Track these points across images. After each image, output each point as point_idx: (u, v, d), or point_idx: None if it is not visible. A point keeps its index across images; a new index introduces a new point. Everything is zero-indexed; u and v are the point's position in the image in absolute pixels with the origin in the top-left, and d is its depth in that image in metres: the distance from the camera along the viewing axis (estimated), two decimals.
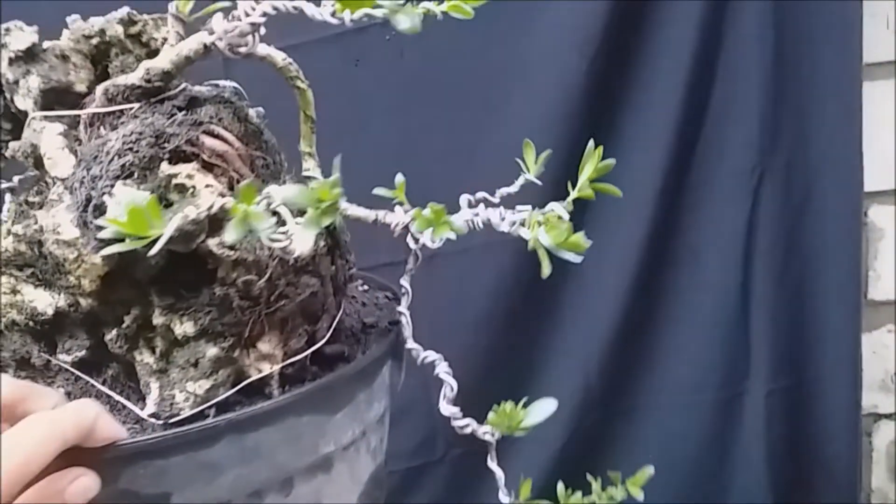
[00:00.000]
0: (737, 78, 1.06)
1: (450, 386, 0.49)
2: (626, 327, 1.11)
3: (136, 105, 0.45)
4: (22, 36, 0.46)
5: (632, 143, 1.06)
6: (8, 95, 0.47)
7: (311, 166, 0.47)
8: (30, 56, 0.47)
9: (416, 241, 0.47)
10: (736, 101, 1.07)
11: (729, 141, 1.08)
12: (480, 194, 0.56)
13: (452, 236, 0.46)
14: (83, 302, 0.45)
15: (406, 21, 0.36)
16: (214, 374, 0.46)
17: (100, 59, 0.48)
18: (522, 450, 1.05)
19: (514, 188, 0.57)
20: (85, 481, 0.39)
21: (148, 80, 0.45)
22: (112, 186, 0.42)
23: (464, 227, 0.42)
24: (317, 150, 0.51)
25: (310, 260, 0.47)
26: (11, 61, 0.47)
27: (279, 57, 0.45)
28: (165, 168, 0.43)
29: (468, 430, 0.50)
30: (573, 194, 0.44)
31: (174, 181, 0.43)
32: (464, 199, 0.53)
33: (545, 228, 0.37)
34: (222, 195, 0.44)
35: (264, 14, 0.41)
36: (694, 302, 1.12)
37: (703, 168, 1.08)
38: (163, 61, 0.45)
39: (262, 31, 0.42)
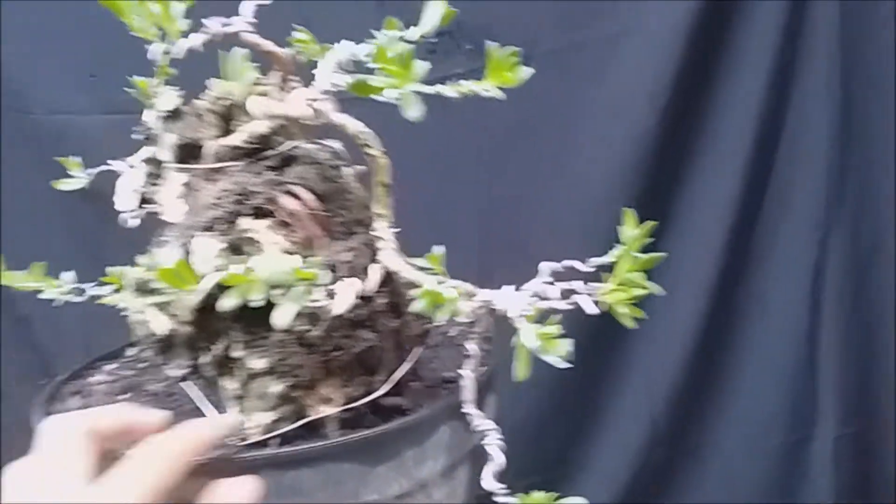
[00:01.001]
0: (805, 130, 1.06)
1: (495, 461, 0.48)
2: (694, 368, 1.13)
3: (237, 164, 0.51)
4: (168, 98, 0.55)
5: (700, 193, 1.08)
6: (156, 147, 0.56)
7: (379, 227, 0.49)
8: (174, 115, 0.55)
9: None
10: (804, 153, 1.07)
11: (796, 192, 1.08)
12: (567, 263, 0.54)
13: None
14: (182, 329, 0.52)
15: (414, 111, 0.36)
16: (278, 409, 0.51)
17: (229, 118, 0.55)
18: (586, 484, 1.14)
19: (608, 258, 0.54)
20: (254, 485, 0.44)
21: (248, 142, 0.51)
22: (197, 237, 0.48)
23: (468, 311, 0.41)
24: (398, 191, 0.53)
25: (368, 316, 0.49)
26: (160, 119, 0.56)
27: (352, 125, 0.48)
28: (243, 223, 0.49)
29: None
30: (609, 286, 0.40)
31: (247, 235, 0.48)
32: (545, 266, 0.52)
33: (534, 330, 0.35)
34: (285, 252, 0.48)
35: (325, 91, 0.44)
36: (761, 347, 1.13)
37: (770, 218, 1.09)
38: (261, 125, 0.51)
39: (331, 106, 0.46)
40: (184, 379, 0.56)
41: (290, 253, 0.48)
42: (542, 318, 0.40)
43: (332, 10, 0.97)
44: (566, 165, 1.08)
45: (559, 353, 0.35)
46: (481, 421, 0.50)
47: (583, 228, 1.06)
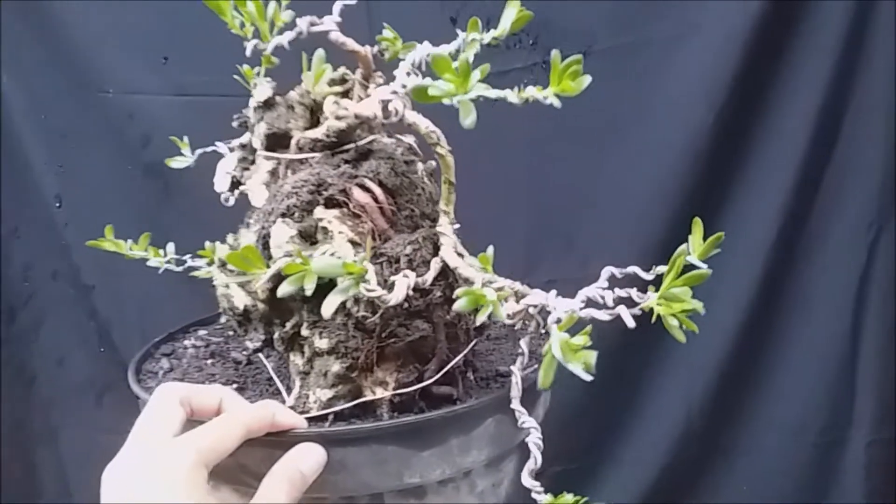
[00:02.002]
0: (860, 133, 1.05)
1: (535, 459, 0.50)
2: (732, 366, 1.14)
3: (317, 155, 0.55)
4: (263, 89, 0.59)
5: (752, 191, 1.09)
6: (250, 135, 0.61)
7: (443, 223, 0.51)
8: (267, 105, 0.59)
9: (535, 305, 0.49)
10: (858, 157, 1.06)
11: (848, 195, 1.08)
12: (631, 268, 0.54)
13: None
14: (259, 306, 0.56)
15: (469, 119, 0.38)
16: (336, 387, 0.54)
17: (316, 110, 0.59)
18: (619, 474, 1.18)
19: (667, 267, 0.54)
20: (317, 452, 0.49)
21: (328, 136, 0.54)
22: (275, 222, 0.52)
23: (505, 317, 0.42)
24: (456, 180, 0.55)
25: (424, 307, 0.52)
26: (255, 109, 0.60)
27: (423, 125, 0.50)
28: (318, 212, 0.52)
29: None
30: (659, 294, 0.41)
31: (320, 224, 0.51)
32: (606, 271, 0.53)
33: (560, 342, 0.36)
34: (351, 242, 0.51)
35: (394, 92, 0.47)
36: (801, 347, 1.14)
37: (820, 220, 1.09)
38: (340, 122, 0.54)
39: (403, 105, 0.48)
40: (259, 350, 0.61)
41: (356, 243, 0.51)
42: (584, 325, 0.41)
43: (399, 7, 0.97)
44: (619, 162, 1.09)
45: (583, 365, 0.36)
46: (526, 418, 0.51)
47: (632, 225, 1.08)
